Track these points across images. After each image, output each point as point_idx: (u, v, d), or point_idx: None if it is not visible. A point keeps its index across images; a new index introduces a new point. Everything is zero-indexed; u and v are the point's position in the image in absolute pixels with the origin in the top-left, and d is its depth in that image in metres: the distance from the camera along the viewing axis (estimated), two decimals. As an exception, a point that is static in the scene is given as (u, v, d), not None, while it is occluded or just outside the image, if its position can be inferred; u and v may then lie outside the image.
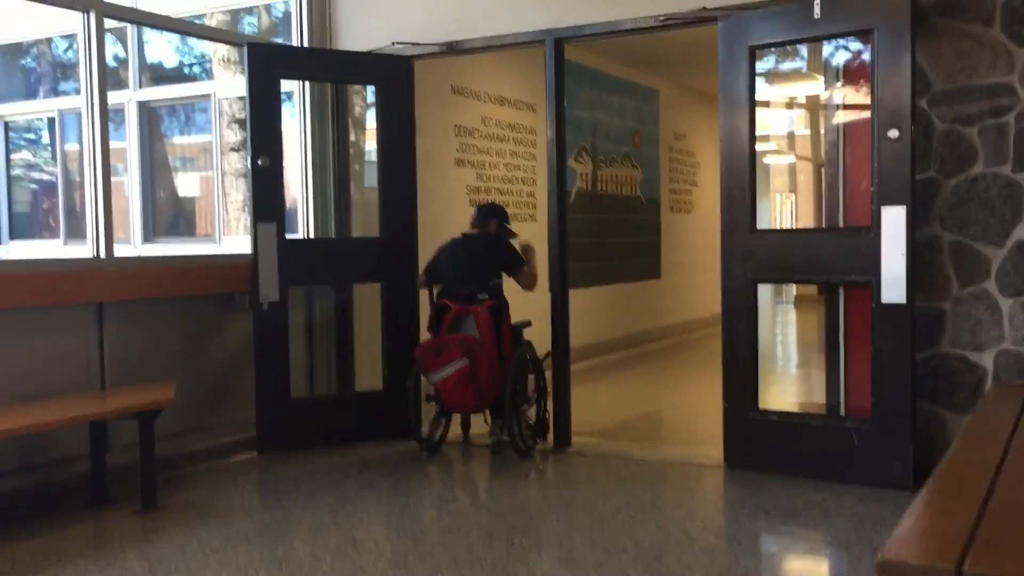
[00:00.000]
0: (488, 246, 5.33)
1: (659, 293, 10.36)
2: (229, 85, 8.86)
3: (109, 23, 4.89)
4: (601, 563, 3.50)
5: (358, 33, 5.84)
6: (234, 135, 8.99)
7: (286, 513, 4.24)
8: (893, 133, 4.29)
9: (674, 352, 9.82)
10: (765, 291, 4.93)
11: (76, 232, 9.38)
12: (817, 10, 4.48)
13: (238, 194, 9.01)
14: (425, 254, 6.03)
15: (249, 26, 9.30)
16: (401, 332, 5.71)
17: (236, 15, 9.53)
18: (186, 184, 9.87)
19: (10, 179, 9.97)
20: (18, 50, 10.40)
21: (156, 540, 3.90)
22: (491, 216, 5.48)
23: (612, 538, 3.79)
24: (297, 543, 3.84)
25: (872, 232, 4.36)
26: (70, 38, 10.28)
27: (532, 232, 8.07)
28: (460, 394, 4.99)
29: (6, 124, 9.84)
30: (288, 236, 5.47)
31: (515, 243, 5.47)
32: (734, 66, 4.75)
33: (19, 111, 9.97)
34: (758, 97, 4.77)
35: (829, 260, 4.56)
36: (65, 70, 10.68)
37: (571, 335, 5.49)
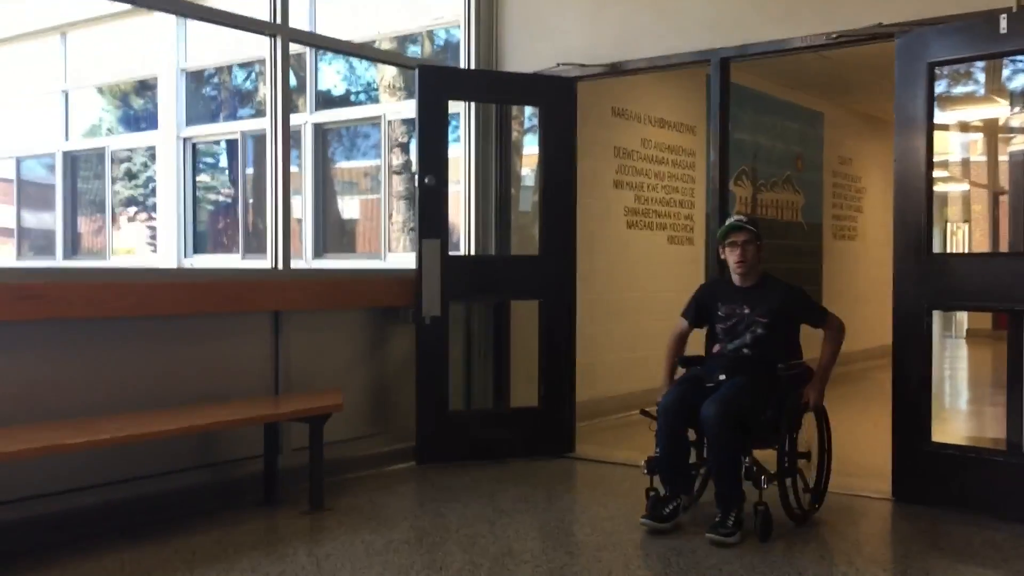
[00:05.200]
0: None
1: (819, 322, 10.02)
2: (398, 107, 9.19)
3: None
4: (763, 589, 3.41)
5: (523, 55, 5.96)
6: (396, 159, 9.30)
7: (444, 521, 4.33)
8: (1088, 152, 4.03)
9: (835, 383, 9.35)
10: (935, 324, 4.71)
11: (249, 248, 9.91)
12: (1004, 25, 4.27)
13: (399, 215, 9.31)
14: (584, 273, 6.06)
15: (413, 53, 9.63)
16: (558, 350, 5.75)
17: (402, 43, 9.88)
18: (348, 206, 10.27)
19: (196, 197, 10.65)
20: (200, 78, 11.12)
21: (323, 539, 4.05)
22: None
23: (773, 565, 3.68)
24: (455, 550, 3.92)
25: (1062, 257, 4.11)
26: (247, 67, 10.92)
27: (689, 255, 8.02)
28: None
29: (194, 146, 10.52)
30: (451, 253, 5.62)
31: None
32: (911, 84, 4.58)
33: (205, 133, 10.65)
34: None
35: (1014, 286, 4.31)
36: (243, 98, 11.35)
37: (730, 358, 5.39)
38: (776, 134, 9.18)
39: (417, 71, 5.50)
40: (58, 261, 11.40)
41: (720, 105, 5.34)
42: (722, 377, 4.17)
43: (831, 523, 4.35)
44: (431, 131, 5.48)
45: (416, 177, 5.48)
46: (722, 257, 4.48)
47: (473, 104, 6.04)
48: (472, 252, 6.08)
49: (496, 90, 5.85)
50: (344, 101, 10.32)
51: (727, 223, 4.47)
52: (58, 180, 11.64)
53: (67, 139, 11.75)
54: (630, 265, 7.39)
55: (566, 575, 3.60)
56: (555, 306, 5.75)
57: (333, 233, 9.87)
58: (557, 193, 5.78)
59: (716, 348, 4.43)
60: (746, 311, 4.35)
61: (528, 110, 6.51)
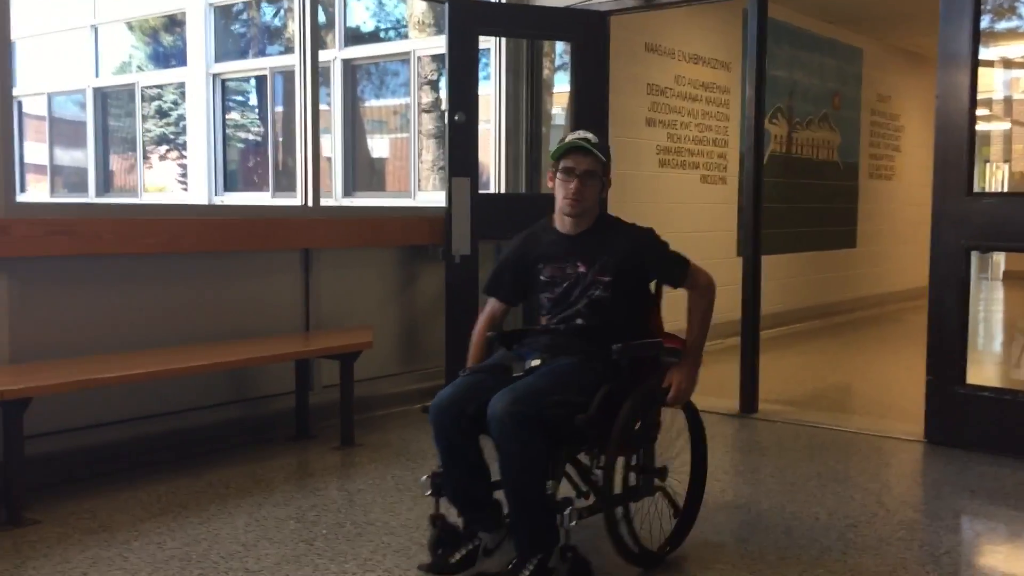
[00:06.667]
0: None
1: (854, 263, 9.92)
2: (428, 43, 9.07)
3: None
4: (791, 528, 3.41)
5: (555, -11, 5.84)
6: (425, 97, 9.21)
7: (474, 458, 4.35)
8: None
9: (868, 324, 9.39)
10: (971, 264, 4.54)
11: (279, 187, 9.91)
12: (1055, -46, 4.10)
13: (428, 154, 9.25)
14: (614, 212, 5.99)
15: (444, -12, 9.47)
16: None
17: (431, -23, 9.72)
18: (377, 145, 10.22)
19: (226, 135, 10.63)
20: (229, 14, 11.01)
21: (354, 475, 4.10)
22: None
23: (802, 505, 3.68)
24: (485, 487, 3.94)
25: (1108, 197, 3.99)
26: (276, 3, 10.80)
27: (722, 195, 7.91)
28: None
29: (224, 83, 10.47)
30: (481, 192, 5.58)
31: None
32: (955, 18, 4.43)
33: (235, 69, 10.59)
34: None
35: (1056, 227, 4.21)
36: (271, 35, 11.25)
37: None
38: (813, 71, 8.97)
39: (448, 5, 5.39)
40: (91, 198, 11.48)
41: (757, 40, 5.20)
42: (535, 363, 2.95)
43: (861, 463, 4.34)
44: (461, 67, 5.39)
45: (446, 115, 5.42)
46: (549, 185, 3.12)
47: (504, 40, 5.93)
48: (502, 190, 6.03)
49: (528, 24, 5.74)
50: (373, 38, 10.20)
51: (566, 140, 3.09)
52: (89, 117, 11.65)
53: (97, 75, 11.74)
54: (662, 205, 7.30)
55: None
56: (585, 245, 5.70)
57: (362, 172, 9.84)
58: (588, 131, 5.69)
59: (542, 322, 3.19)
60: (580, 269, 3.06)
61: (559, 47, 6.39)
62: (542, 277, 3.12)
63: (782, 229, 8.37)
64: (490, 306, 3.30)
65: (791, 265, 8.69)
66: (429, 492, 2.99)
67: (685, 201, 7.55)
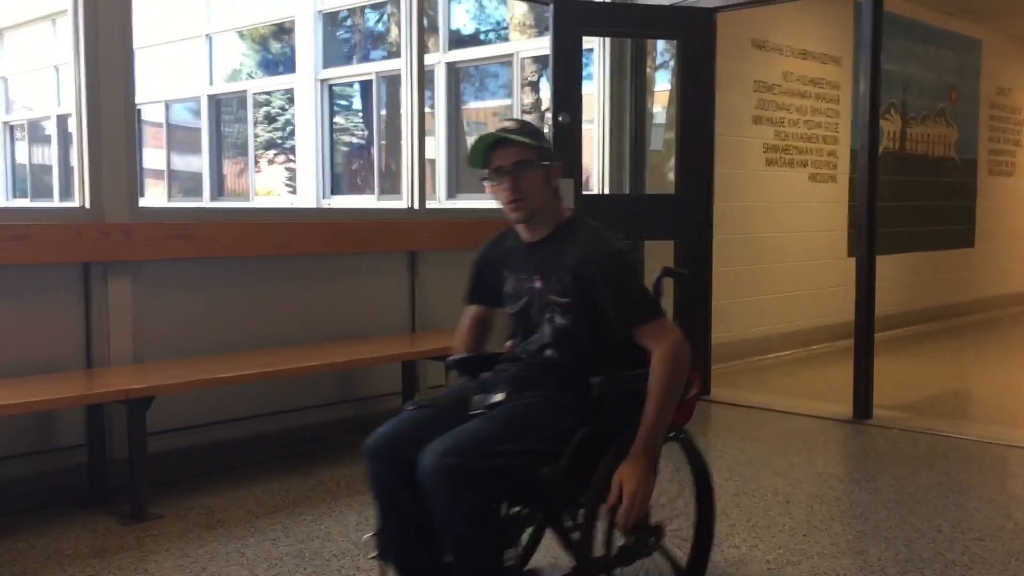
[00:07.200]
0: None
1: (972, 263, 9.52)
2: (530, 45, 9.10)
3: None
4: (912, 540, 3.28)
5: (660, -13, 5.77)
6: (526, 98, 9.23)
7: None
8: None
9: (987, 328, 9.00)
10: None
11: (383, 189, 10.07)
12: None
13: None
14: (720, 212, 5.89)
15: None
16: (693, 291, 5.63)
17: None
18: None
19: (333, 139, 10.87)
20: (335, 20, 11.26)
21: (460, 475, 4.11)
22: None
23: (924, 516, 3.54)
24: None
25: None
26: (379, 9, 10.98)
27: (832, 193, 7.68)
28: None
29: (330, 88, 10.71)
30: (585, 192, 5.55)
31: None
32: (1089, 4, 4.20)
33: (342, 75, 10.82)
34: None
35: None
36: (375, 40, 11.45)
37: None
38: (928, 64, 8.65)
39: (552, 5, 5.38)
40: (205, 202, 11.89)
41: (872, 33, 5.03)
42: (498, 398, 2.45)
43: (985, 473, 4.15)
44: (565, 68, 5.37)
45: (547, 116, 5.41)
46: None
47: (607, 40, 5.89)
48: (606, 191, 6.00)
49: (633, 24, 5.68)
50: (473, 40, 10.28)
51: (480, 136, 2.51)
52: (204, 124, 12.07)
53: (211, 83, 12.15)
54: (769, 204, 7.15)
55: (704, 519, 3.55)
56: (692, 247, 5.61)
57: (465, 173, 9.92)
58: (694, 130, 5.60)
59: (507, 345, 2.72)
60: (536, 284, 2.55)
61: (660, 45, 6.31)
62: (506, 288, 2.64)
63: (896, 228, 8.10)
64: (465, 314, 2.83)
65: (905, 265, 8.40)
66: (374, 554, 2.42)
67: (793, 200, 7.37)
